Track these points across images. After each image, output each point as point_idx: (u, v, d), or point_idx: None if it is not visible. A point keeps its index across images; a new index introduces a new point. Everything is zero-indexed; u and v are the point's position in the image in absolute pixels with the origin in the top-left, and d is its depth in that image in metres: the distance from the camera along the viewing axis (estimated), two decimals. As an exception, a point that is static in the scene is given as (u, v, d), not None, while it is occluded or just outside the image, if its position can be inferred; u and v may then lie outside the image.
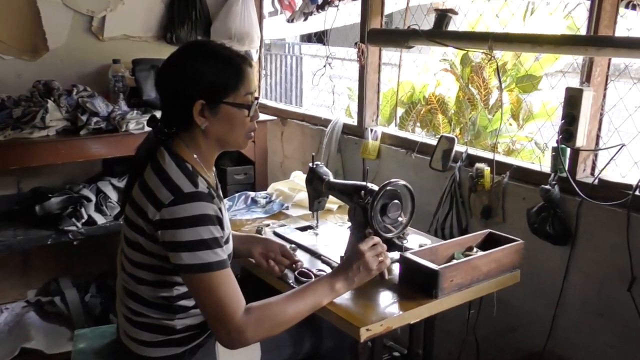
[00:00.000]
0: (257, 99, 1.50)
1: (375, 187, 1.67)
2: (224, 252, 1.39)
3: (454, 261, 1.62)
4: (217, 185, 1.61)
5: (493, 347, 2.17)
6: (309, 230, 2.01)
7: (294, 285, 1.58)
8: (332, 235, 1.96)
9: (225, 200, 2.22)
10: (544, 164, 2.00)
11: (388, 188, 1.64)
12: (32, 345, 2.52)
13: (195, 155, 1.48)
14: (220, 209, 1.44)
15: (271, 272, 1.67)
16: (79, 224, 2.49)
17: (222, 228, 1.42)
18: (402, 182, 1.67)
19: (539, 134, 2.75)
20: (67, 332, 2.63)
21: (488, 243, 1.75)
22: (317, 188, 1.91)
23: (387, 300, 1.53)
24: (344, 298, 1.51)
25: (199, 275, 1.35)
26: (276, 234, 1.98)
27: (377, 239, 1.54)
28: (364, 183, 1.72)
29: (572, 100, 1.80)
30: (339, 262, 1.74)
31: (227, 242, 1.51)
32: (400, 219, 1.69)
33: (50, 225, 2.50)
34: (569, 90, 1.81)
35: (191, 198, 1.36)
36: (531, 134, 2.90)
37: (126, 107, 2.64)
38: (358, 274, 1.48)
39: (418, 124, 3.05)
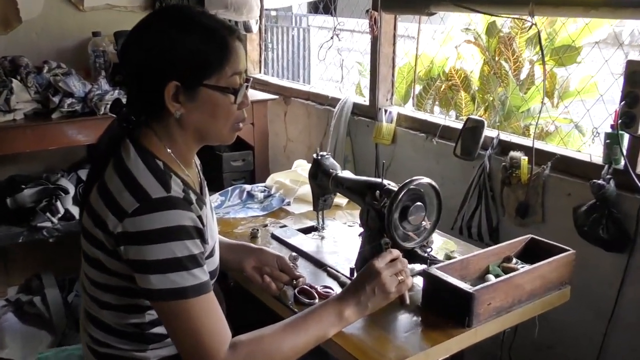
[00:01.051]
0: (247, 81, 1.19)
1: (394, 186, 1.36)
2: (204, 273, 1.11)
3: (491, 278, 1.32)
4: (201, 184, 1.32)
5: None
6: (313, 233, 1.71)
7: (294, 309, 1.29)
8: (340, 239, 1.66)
9: (216, 195, 1.94)
10: (594, 153, 1.68)
11: (410, 187, 1.33)
12: (5, 354, 2.28)
13: (169, 150, 1.19)
14: (200, 217, 1.15)
15: (266, 290, 1.38)
16: (54, 219, 2.22)
17: (204, 241, 1.14)
18: (427, 180, 1.36)
19: (580, 115, 2.41)
20: (47, 336, 2.40)
21: (529, 252, 1.45)
22: (323, 184, 1.61)
23: (408, 330, 1.23)
24: (355, 327, 1.22)
25: (172, 302, 1.08)
26: (274, 236, 1.68)
27: (396, 253, 1.23)
28: (379, 180, 1.41)
29: (635, 77, 1.48)
30: (348, 274, 1.45)
31: (210, 255, 1.24)
32: (423, 223, 1.39)
33: (23, 220, 2.25)
34: (630, 65, 1.48)
35: (161, 205, 1.08)
36: (567, 113, 2.55)
37: (107, 85, 2.33)
38: (372, 298, 1.19)
39: (437, 103, 2.73)
